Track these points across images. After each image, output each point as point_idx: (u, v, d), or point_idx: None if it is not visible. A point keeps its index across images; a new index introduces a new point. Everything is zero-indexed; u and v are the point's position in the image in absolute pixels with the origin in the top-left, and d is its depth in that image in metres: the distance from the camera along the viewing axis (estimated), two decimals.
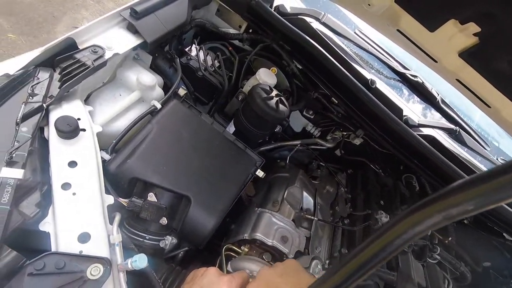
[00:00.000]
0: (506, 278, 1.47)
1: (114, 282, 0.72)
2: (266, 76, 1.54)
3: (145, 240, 1.03)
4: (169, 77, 1.42)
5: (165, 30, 1.25)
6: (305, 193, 1.48)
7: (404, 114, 1.48)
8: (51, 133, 0.86)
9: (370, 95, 1.40)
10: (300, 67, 1.58)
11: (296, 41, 1.46)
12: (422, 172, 1.46)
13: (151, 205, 1.01)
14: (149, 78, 1.21)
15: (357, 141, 1.72)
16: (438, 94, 1.62)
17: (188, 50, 1.53)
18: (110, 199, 0.86)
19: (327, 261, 1.29)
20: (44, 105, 0.87)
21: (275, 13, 1.49)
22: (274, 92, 1.44)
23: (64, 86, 0.91)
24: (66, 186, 0.79)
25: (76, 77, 0.94)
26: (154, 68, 1.40)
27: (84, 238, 0.74)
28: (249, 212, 1.32)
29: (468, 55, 1.00)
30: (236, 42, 1.70)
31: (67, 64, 0.97)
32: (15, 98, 0.85)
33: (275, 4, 1.60)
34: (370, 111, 1.41)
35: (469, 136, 1.54)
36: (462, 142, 1.53)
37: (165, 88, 1.35)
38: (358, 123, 1.55)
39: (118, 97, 1.20)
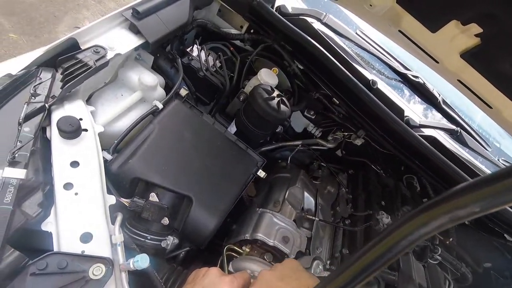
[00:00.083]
0: (507, 279, 1.47)
1: (116, 282, 0.72)
2: (267, 77, 1.54)
3: (146, 240, 1.03)
4: (171, 77, 1.42)
5: (166, 31, 1.25)
6: (306, 194, 1.47)
7: (405, 114, 1.48)
8: (53, 133, 0.86)
9: (371, 95, 1.40)
10: (302, 67, 1.58)
11: (297, 41, 1.47)
12: (423, 173, 1.46)
13: (152, 205, 1.01)
14: (151, 78, 1.21)
15: (358, 142, 1.72)
16: (440, 95, 1.62)
17: (190, 50, 1.53)
18: (112, 199, 0.86)
19: (328, 262, 1.29)
20: (46, 105, 0.87)
21: (277, 14, 1.49)
22: (276, 93, 1.44)
23: (66, 86, 0.91)
24: (68, 186, 0.79)
25: (78, 77, 0.94)
26: (156, 68, 1.40)
27: (86, 238, 0.74)
28: (250, 212, 1.32)
29: (470, 56, 1.00)
30: (238, 43, 1.70)
31: (69, 64, 0.97)
32: (18, 98, 0.86)
33: (276, 4, 1.60)
34: (371, 111, 1.41)
35: (470, 137, 1.54)
36: (463, 143, 1.53)
37: (167, 88, 1.35)
38: (359, 124, 1.55)
39: (119, 97, 1.21)
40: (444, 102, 1.62)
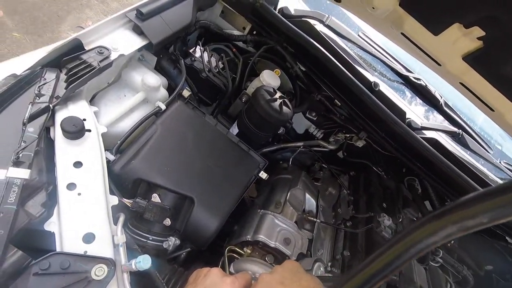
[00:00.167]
0: (508, 281, 1.47)
1: (118, 283, 0.72)
2: (269, 78, 1.54)
3: (148, 241, 1.03)
4: (174, 78, 1.43)
5: (170, 32, 1.26)
6: (307, 195, 1.48)
7: (407, 116, 1.49)
8: (57, 133, 0.86)
9: (373, 97, 1.40)
10: (304, 69, 1.58)
11: (300, 43, 1.47)
12: (425, 175, 1.46)
13: (155, 206, 1.01)
14: (154, 79, 1.22)
15: (360, 143, 1.72)
16: (441, 97, 1.63)
17: (192, 51, 1.54)
18: (114, 200, 0.86)
19: (329, 264, 1.29)
20: (51, 105, 0.87)
21: (279, 15, 1.49)
22: (278, 94, 1.45)
23: (70, 86, 0.92)
24: (71, 186, 0.79)
25: (82, 78, 0.95)
26: (159, 69, 1.41)
27: (88, 238, 0.74)
28: (252, 213, 1.32)
29: (472, 59, 1.00)
30: (240, 44, 1.71)
31: (73, 64, 0.97)
32: (22, 99, 0.86)
33: (279, 6, 1.61)
34: (373, 113, 1.42)
35: (472, 139, 1.55)
36: (465, 145, 1.54)
37: (170, 89, 1.36)
38: (361, 125, 1.55)
39: (123, 97, 1.21)
40: (446, 104, 1.62)
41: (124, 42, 1.14)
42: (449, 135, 1.56)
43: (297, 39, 1.47)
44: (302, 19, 1.55)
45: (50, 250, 0.69)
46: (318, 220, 1.39)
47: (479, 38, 0.92)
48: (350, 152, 1.85)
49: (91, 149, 0.88)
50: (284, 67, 1.69)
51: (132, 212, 1.01)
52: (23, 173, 0.73)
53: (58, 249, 0.70)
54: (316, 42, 1.46)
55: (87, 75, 0.96)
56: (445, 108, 1.61)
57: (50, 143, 0.85)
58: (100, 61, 1.01)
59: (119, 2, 3.70)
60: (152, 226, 1.05)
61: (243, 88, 1.62)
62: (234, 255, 1.19)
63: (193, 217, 1.08)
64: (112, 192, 0.89)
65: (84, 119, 0.91)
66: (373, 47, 1.59)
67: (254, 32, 1.67)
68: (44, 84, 0.91)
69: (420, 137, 1.41)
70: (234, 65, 1.65)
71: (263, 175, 1.32)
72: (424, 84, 1.61)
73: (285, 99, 1.44)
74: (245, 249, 1.20)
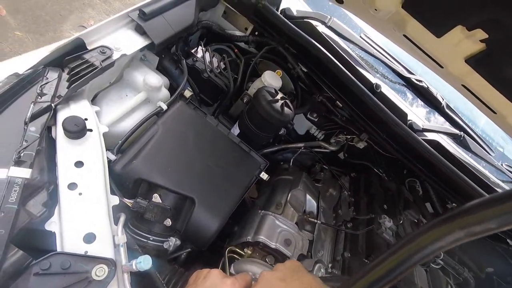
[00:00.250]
0: (509, 284, 1.46)
1: (118, 283, 0.72)
2: (271, 79, 1.54)
3: (149, 241, 1.03)
4: (175, 78, 1.43)
5: (172, 32, 1.26)
6: (308, 196, 1.48)
7: (408, 118, 1.48)
8: (59, 133, 0.86)
9: (375, 99, 1.40)
10: (305, 70, 1.58)
11: (301, 44, 1.47)
12: (426, 177, 1.46)
13: (155, 206, 1.01)
14: (156, 79, 1.22)
15: (361, 145, 1.72)
16: (443, 99, 1.62)
17: (194, 51, 1.54)
18: (115, 200, 0.86)
19: (330, 265, 1.29)
20: (53, 105, 0.87)
21: (282, 16, 1.49)
22: (279, 95, 1.44)
23: (72, 86, 0.92)
24: (72, 186, 0.79)
25: (84, 78, 0.95)
26: (161, 69, 1.41)
27: (89, 238, 0.74)
28: (252, 214, 1.32)
29: (475, 62, 1.00)
30: (242, 44, 1.71)
31: (75, 64, 0.97)
32: (24, 98, 0.86)
33: (281, 7, 1.61)
34: (374, 115, 1.42)
35: (473, 142, 1.54)
36: (466, 147, 1.53)
37: (171, 89, 1.36)
38: (362, 127, 1.55)
39: (124, 97, 1.21)
40: (447, 106, 1.62)
41: (126, 42, 1.14)
42: (451, 137, 1.55)
43: (299, 40, 1.47)
44: (304, 20, 1.55)
45: (50, 250, 0.69)
46: (318, 221, 1.39)
47: (481, 41, 0.92)
48: (351, 154, 1.85)
49: (92, 149, 0.88)
50: (286, 68, 1.69)
51: (132, 212, 1.01)
52: (24, 173, 0.73)
53: (58, 249, 0.71)
54: (318, 43, 1.46)
55: (89, 75, 0.96)
56: (447, 110, 1.60)
57: (52, 143, 0.85)
58: (102, 61, 1.01)
59: (121, 1, 3.70)
60: (152, 227, 1.05)
61: (244, 88, 1.61)
62: (235, 255, 1.19)
63: (194, 218, 1.08)
64: (113, 192, 0.89)
65: (86, 119, 0.91)
66: (375, 48, 1.59)
67: (256, 33, 1.68)
68: (46, 83, 0.91)
69: (422, 139, 1.41)
70: (235, 65, 1.65)
71: (264, 175, 1.32)
72: (426, 86, 1.61)
73: (286, 100, 1.44)
74: (245, 249, 1.19)
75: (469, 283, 1.38)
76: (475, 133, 1.61)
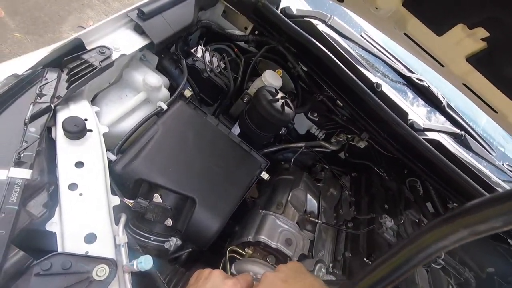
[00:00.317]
0: (510, 284, 1.46)
1: (119, 283, 0.72)
2: (271, 78, 1.54)
3: (149, 241, 1.03)
4: (175, 78, 1.42)
5: (171, 31, 1.25)
6: (309, 196, 1.47)
7: (409, 117, 1.48)
8: (59, 133, 0.86)
9: (376, 98, 1.40)
10: (306, 69, 1.58)
11: (302, 43, 1.47)
12: (427, 176, 1.46)
13: (156, 206, 1.01)
14: (155, 79, 1.21)
15: (362, 144, 1.71)
16: (444, 98, 1.62)
17: (194, 51, 1.53)
18: (116, 200, 0.86)
19: (331, 265, 1.29)
20: (52, 105, 0.87)
21: (281, 15, 1.49)
22: (280, 95, 1.44)
23: (71, 86, 0.91)
24: (73, 186, 0.79)
25: (84, 78, 0.94)
26: (160, 69, 1.40)
27: (90, 238, 0.74)
28: (253, 214, 1.32)
29: (476, 60, 1.00)
30: (242, 44, 1.70)
31: (74, 64, 0.97)
32: (24, 98, 0.86)
33: (281, 6, 1.61)
34: (375, 114, 1.41)
35: (474, 141, 1.54)
36: (467, 147, 1.53)
37: (171, 89, 1.35)
38: (363, 126, 1.55)
39: (124, 97, 1.21)
40: (448, 105, 1.62)
41: (126, 42, 1.13)
42: (452, 137, 1.55)
43: (299, 39, 1.46)
44: (304, 19, 1.55)
45: (51, 251, 0.68)
46: (319, 221, 1.39)
47: (483, 39, 0.92)
48: (352, 153, 1.84)
49: (92, 149, 0.88)
50: (286, 67, 1.68)
51: (133, 213, 1.01)
52: (24, 173, 0.73)
53: (59, 250, 0.70)
54: (318, 42, 1.45)
55: (88, 75, 0.96)
56: (448, 110, 1.60)
57: (52, 143, 0.85)
58: (102, 61, 1.01)
59: (120, 2, 3.70)
60: (153, 227, 1.04)
61: (244, 88, 1.61)
62: (236, 255, 1.19)
63: (195, 218, 1.08)
64: (113, 192, 0.89)
65: (86, 119, 0.91)
66: (375, 47, 1.58)
67: (256, 32, 1.67)
68: (45, 84, 0.90)
69: (422, 138, 1.41)
70: (235, 65, 1.65)
71: (265, 175, 1.32)
72: (427, 85, 1.61)
73: (287, 100, 1.44)
74: (246, 249, 1.19)
75: (470, 283, 1.38)
76: (476, 132, 1.61)
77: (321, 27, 1.56)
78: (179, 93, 1.30)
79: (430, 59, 1.15)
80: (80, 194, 0.79)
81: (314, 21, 1.55)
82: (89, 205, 0.78)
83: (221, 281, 0.74)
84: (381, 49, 1.62)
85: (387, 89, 1.58)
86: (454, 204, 1.54)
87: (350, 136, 1.74)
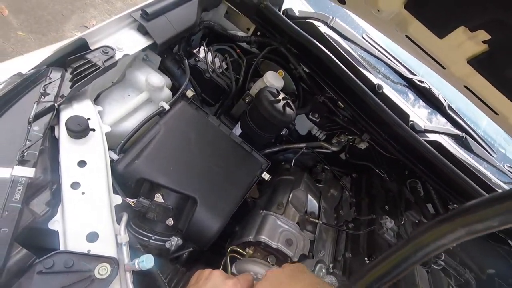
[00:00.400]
0: (511, 286, 1.46)
1: (121, 282, 0.73)
2: (273, 79, 1.54)
3: (151, 241, 1.03)
4: (177, 78, 1.43)
5: (174, 32, 1.26)
6: (309, 196, 1.48)
7: (410, 119, 1.49)
8: (62, 132, 0.87)
9: (377, 99, 1.40)
10: (307, 70, 1.58)
11: (303, 44, 1.47)
12: (428, 178, 1.46)
13: (158, 205, 1.02)
14: (158, 79, 1.22)
15: (363, 145, 1.72)
16: (445, 100, 1.62)
17: (196, 51, 1.54)
18: (118, 199, 0.86)
19: (331, 265, 1.29)
20: (56, 104, 0.88)
21: (284, 17, 1.50)
22: (281, 95, 1.45)
23: (75, 86, 0.92)
24: (75, 185, 0.80)
25: (87, 77, 0.95)
26: (163, 69, 1.41)
27: (92, 237, 0.74)
28: (254, 214, 1.33)
29: (477, 63, 1.00)
30: (244, 45, 1.71)
31: (78, 64, 0.98)
32: (28, 97, 0.86)
33: (283, 7, 1.61)
34: (376, 115, 1.42)
35: (475, 143, 1.54)
36: (468, 148, 1.53)
37: (173, 89, 1.36)
38: (363, 127, 1.55)
39: (126, 97, 1.21)
40: (449, 107, 1.62)
41: (129, 42, 1.14)
42: (453, 138, 1.55)
43: (301, 41, 1.47)
44: (306, 20, 1.56)
45: (54, 249, 0.69)
46: (320, 222, 1.39)
47: (484, 42, 0.92)
48: (353, 154, 1.85)
49: (95, 148, 0.89)
50: (288, 68, 1.69)
51: (135, 212, 1.01)
52: (28, 172, 0.74)
53: (62, 248, 0.71)
54: (320, 44, 1.46)
55: (92, 75, 0.97)
56: (449, 111, 1.60)
57: (55, 142, 0.86)
58: (105, 61, 1.01)
59: (123, 1, 3.71)
60: (155, 226, 1.05)
61: (246, 89, 1.62)
62: (236, 255, 1.19)
63: (196, 217, 1.09)
64: (115, 192, 0.89)
65: (89, 119, 0.92)
66: (377, 49, 1.59)
67: (258, 33, 1.68)
68: (49, 83, 0.91)
69: (423, 139, 1.41)
70: (237, 65, 1.65)
71: (266, 176, 1.32)
72: (428, 87, 1.61)
73: (288, 100, 1.44)
74: (247, 249, 1.20)
75: (471, 284, 1.38)
76: (477, 134, 1.61)
77: (323, 28, 1.57)
78: (181, 93, 1.31)
79: (431, 61, 1.16)
80: (83, 193, 0.79)
81: (316, 23, 1.56)
82: (91, 204, 0.79)
83: (221, 281, 0.75)
84: (383, 51, 1.62)
85: (388, 90, 1.58)
86: (455, 205, 1.54)
87: (351, 137, 1.75)
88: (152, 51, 1.32)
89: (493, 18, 0.85)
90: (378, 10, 1.11)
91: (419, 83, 1.60)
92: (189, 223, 1.09)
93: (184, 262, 1.14)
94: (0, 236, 0.64)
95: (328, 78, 1.49)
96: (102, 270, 0.70)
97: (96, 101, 1.13)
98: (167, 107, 1.22)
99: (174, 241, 1.06)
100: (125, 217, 0.86)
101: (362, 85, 1.41)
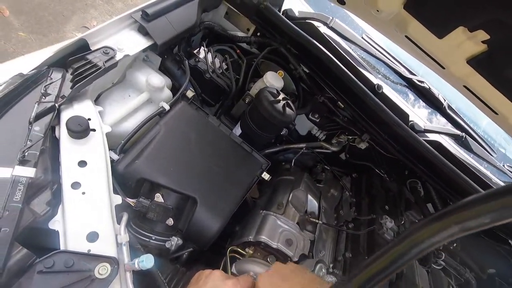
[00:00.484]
0: (511, 285, 1.46)
1: (121, 282, 0.73)
2: (273, 79, 1.55)
3: (151, 241, 1.04)
4: (177, 78, 1.43)
5: (174, 33, 1.26)
6: (309, 196, 1.48)
7: (410, 119, 1.49)
8: (62, 132, 0.87)
9: (377, 100, 1.41)
10: (307, 70, 1.59)
11: (303, 44, 1.47)
12: (428, 178, 1.46)
13: (158, 205, 1.02)
14: (158, 80, 1.22)
15: (362, 145, 1.72)
16: (445, 100, 1.62)
17: (197, 52, 1.54)
18: (118, 199, 0.87)
19: (331, 265, 1.29)
20: (56, 105, 0.88)
21: (283, 17, 1.50)
22: (281, 96, 1.45)
23: (75, 86, 0.93)
24: (75, 185, 0.80)
25: (88, 78, 0.96)
26: (163, 69, 1.41)
27: (92, 237, 0.75)
28: (254, 214, 1.33)
29: (476, 62, 1.00)
30: (244, 45, 1.71)
31: (79, 64, 0.98)
32: (29, 98, 0.87)
33: (283, 8, 1.61)
34: (376, 115, 1.42)
35: (475, 142, 1.54)
36: (468, 148, 1.53)
37: (173, 89, 1.36)
38: (363, 128, 1.55)
39: (127, 98, 1.22)
40: (449, 107, 1.62)
41: (129, 43, 1.14)
42: (452, 138, 1.56)
43: (301, 41, 1.47)
44: (306, 21, 1.56)
45: (54, 249, 0.69)
46: (320, 222, 1.39)
47: (483, 42, 0.92)
48: (353, 154, 1.85)
49: (95, 149, 0.89)
50: (288, 69, 1.69)
51: (135, 212, 1.02)
52: (28, 172, 0.74)
53: (62, 248, 0.71)
54: (320, 44, 1.46)
55: (92, 75, 0.97)
56: (449, 111, 1.60)
57: (55, 142, 0.86)
58: (106, 61, 1.02)
59: (124, 2, 3.72)
60: (155, 226, 1.05)
61: (246, 89, 1.62)
62: (236, 255, 1.19)
63: (196, 217, 1.09)
64: (115, 192, 0.90)
65: (89, 119, 0.92)
66: (376, 49, 1.59)
67: (258, 34, 1.68)
68: (50, 83, 0.92)
69: (423, 139, 1.41)
70: (237, 66, 1.65)
71: (266, 176, 1.32)
72: (428, 87, 1.61)
73: (288, 101, 1.45)
74: (247, 249, 1.20)
75: (471, 284, 1.39)
76: (477, 134, 1.61)
77: (323, 29, 1.57)
78: (182, 93, 1.31)
79: (431, 61, 1.16)
80: (83, 193, 0.80)
81: (316, 23, 1.56)
82: (91, 204, 0.79)
83: (221, 281, 0.76)
84: (382, 51, 1.62)
85: (388, 90, 1.58)
86: None
87: (351, 137, 1.75)
88: (152, 52, 1.33)
89: (492, 18, 0.85)
90: (378, 11, 1.12)
91: (419, 83, 1.61)
92: (189, 223, 1.09)
93: (184, 262, 1.15)
94: (1, 235, 0.64)
95: (328, 78, 1.49)
96: (102, 270, 0.70)
97: (96, 101, 1.14)
98: (167, 107, 1.23)
99: (174, 241, 1.07)
100: (125, 217, 0.86)
101: (362, 85, 1.41)
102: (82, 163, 0.84)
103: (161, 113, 1.22)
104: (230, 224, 1.17)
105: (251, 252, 1.19)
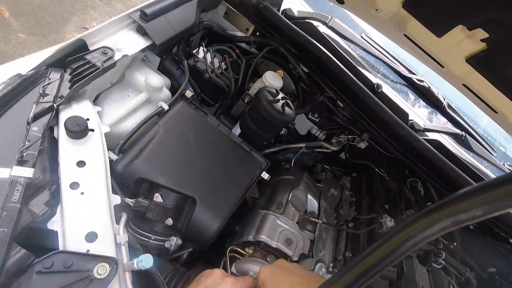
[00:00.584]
0: None
1: (120, 282, 0.73)
2: (272, 79, 1.55)
3: (150, 240, 1.03)
4: (177, 78, 1.43)
5: (173, 33, 1.26)
6: (309, 196, 1.48)
7: (410, 118, 1.48)
8: (61, 133, 0.87)
9: (376, 99, 1.40)
10: (307, 70, 1.58)
11: (302, 44, 1.47)
12: (427, 177, 1.46)
13: (157, 205, 1.02)
14: (157, 80, 1.22)
15: (362, 145, 1.72)
16: (444, 99, 1.62)
17: (196, 52, 1.54)
18: (117, 199, 0.87)
19: (331, 264, 1.29)
20: (55, 105, 0.88)
21: (283, 17, 1.50)
22: (280, 95, 1.45)
23: (74, 86, 0.93)
24: (74, 185, 0.80)
25: (86, 78, 0.95)
26: (162, 69, 1.41)
27: (91, 237, 0.75)
28: (254, 214, 1.33)
29: (476, 61, 1.00)
30: (243, 45, 1.71)
31: (77, 65, 0.98)
32: (27, 98, 0.87)
33: (282, 7, 1.61)
34: (375, 115, 1.42)
35: (475, 141, 1.54)
36: (468, 147, 1.53)
37: (172, 89, 1.36)
38: (363, 127, 1.55)
39: (126, 98, 1.22)
40: (449, 106, 1.62)
41: (128, 43, 1.14)
42: (452, 137, 1.55)
43: (300, 40, 1.47)
44: (305, 20, 1.56)
45: (53, 249, 0.69)
46: (320, 221, 1.39)
47: (482, 40, 0.92)
48: (353, 154, 1.84)
49: (94, 149, 0.89)
50: (287, 68, 1.69)
51: (134, 212, 1.01)
52: (27, 172, 0.74)
53: (61, 248, 0.71)
54: (319, 44, 1.46)
55: (91, 75, 0.97)
56: (448, 110, 1.60)
57: (54, 143, 0.86)
58: (104, 61, 1.02)
59: (123, 3, 3.72)
60: (154, 226, 1.05)
61: (245, 89, 1.62)
62: (236, 255, 1.19)
63: (195, 217, 1.09)
64: (114, 192, 0.89)
65: (88, 119, 0.92)
66: (376, 48, 1.59)
67: (257, 34, 1.68)
68: (48, 84, 0.92)
69: (423, 138, 1.41)
70: (237, 66, 1.65)
71: (265, 175, 1.32)
72: (427, 86, 1.61)
73: (287, 100, 1.44)
74: (246, 249, 1.20)
75: (471, 283, 1.38)
76: (476, 132, 1.61)
77: (322, 28, 1.57)
78: (181, 93, 1.31)
79: (430, 60, 1.16)
80: (82, 193, 0.79)
81: (315, 23, 1.56)
82: (90, 204, 0.79)
83: (221, 279, 0.76)
84: (382, 50, 1.62)
85: (387, 90, 1.58)
86: None
87: (350, 137, 1.75)
88: (151, 52, 1.33)
89: (491, 17, 0.85)
90: (377, 10, 1.12)
91: (418, 82, 1.60)
92: (188, 223, 1.09)
93: (184, 262, 1.15)
94: None
95: (328, 77, 1.49)
96: (101, 270, 0.70)
97: (95, 101, 1.13)
98: (166, 107, 1.23)
99: (174, 241, 1.06)
100: (124, 217, 0.86)
101: (361, 84, 1.41)
102: (81, 163, 0.84)
103: (160, 113, 1.22)
104: (229, 224, 1.17)
105: (250, 251, 1.19)
